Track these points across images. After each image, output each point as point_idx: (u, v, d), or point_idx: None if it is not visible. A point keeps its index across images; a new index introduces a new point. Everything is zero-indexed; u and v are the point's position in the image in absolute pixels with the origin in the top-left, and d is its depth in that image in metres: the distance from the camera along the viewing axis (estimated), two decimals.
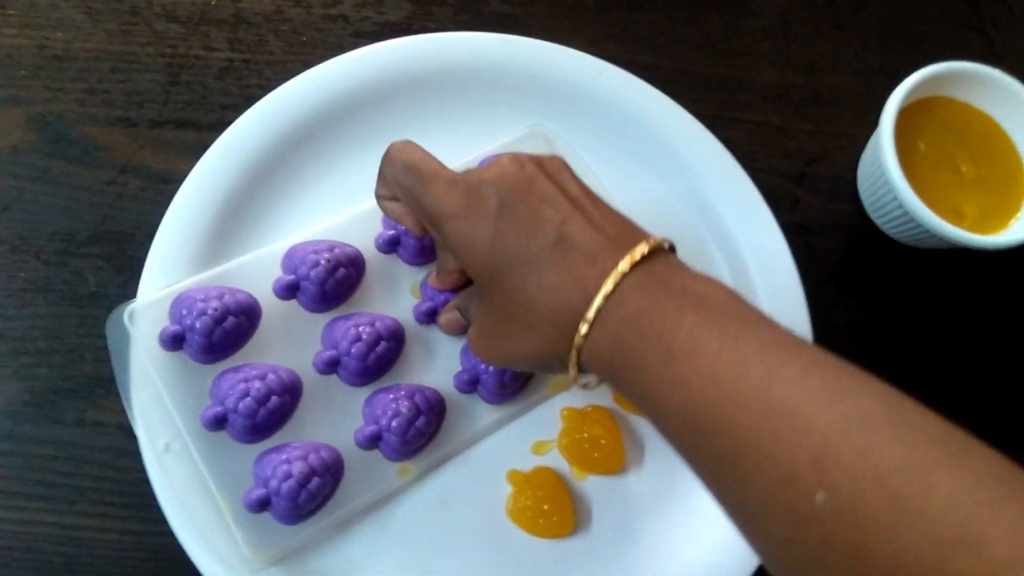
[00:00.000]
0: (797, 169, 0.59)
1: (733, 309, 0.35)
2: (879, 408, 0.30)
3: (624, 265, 0.36)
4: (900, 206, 0.52)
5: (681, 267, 0.38)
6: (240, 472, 0.45)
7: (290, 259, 0.47)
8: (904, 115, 0.53)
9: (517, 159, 0.41)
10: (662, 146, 0.55)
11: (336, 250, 0.47)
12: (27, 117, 0.53)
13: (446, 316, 0.49)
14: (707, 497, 0.48)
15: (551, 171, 0.41)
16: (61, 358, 0.49)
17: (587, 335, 0.37)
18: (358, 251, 0.49)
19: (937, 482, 0.28)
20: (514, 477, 0.49)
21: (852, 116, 0.61)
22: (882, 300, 0.57)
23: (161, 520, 0.45)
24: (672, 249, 0.40)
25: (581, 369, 0.39)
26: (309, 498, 0.43)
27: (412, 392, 0.46)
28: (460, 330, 0.49)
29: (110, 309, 0.46)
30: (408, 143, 0.43)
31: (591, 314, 0.36)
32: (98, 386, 0.49)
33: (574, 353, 0.38)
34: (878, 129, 0.53)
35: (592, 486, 0.49)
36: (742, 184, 0.55)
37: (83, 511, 0.47)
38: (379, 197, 0.46)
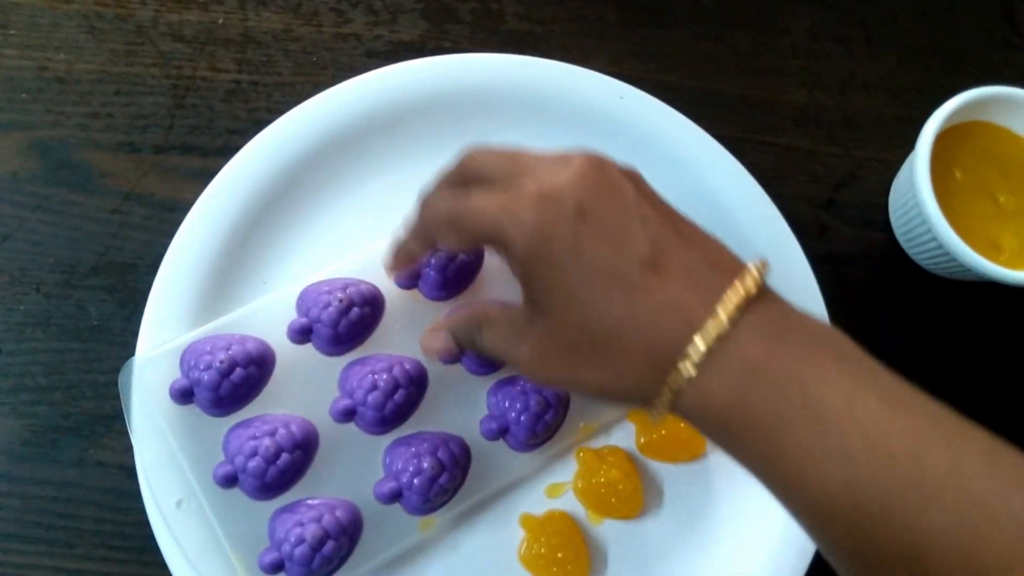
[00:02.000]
0: (825, 195, 0.57)
1: (865, 360, 0.31)
2: None
3: (736, 297, 0.32)
4: (934, 237, 0.50)
5: (782, 299, 0.34)
6: (255, 529, 0.43)
7: (303, 301, 0.45)
8: (940, 141, 0.50)
9: (593, 160, 0.35)
10: (685, 171, 0.53)
11: (349, 289, 0.45)
12: (28, 142, 0.52)
13: (438, 343, 0.42)
14: (726, 545, 0.47)
15: (633, 177, 0.36)
16: (62, 395, 0.48)
17: (693, 379, 0.32)
18: (375, 288, 0.46)
19: None
20: (527, 522, 0.47)
21: (884, 139, 0.58)
22: (915, 334, 0.55)
23: (162, 564, 0.44)
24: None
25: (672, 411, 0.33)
26: (323, 562, 0.41)
27: (435, 446, 0.44)
28: (448, 360, 0.44)
29: (112, 343, 0.44)
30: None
31: (700, 357, 0.31)
32: (99, 424, 0.48)
33: (667, 394, 0.32)
34: (912, 155, 0.50)
35: (608, 531, 0.47)
36: (767, 211, 0.52)
37: (83, 555, 0.46)
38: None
